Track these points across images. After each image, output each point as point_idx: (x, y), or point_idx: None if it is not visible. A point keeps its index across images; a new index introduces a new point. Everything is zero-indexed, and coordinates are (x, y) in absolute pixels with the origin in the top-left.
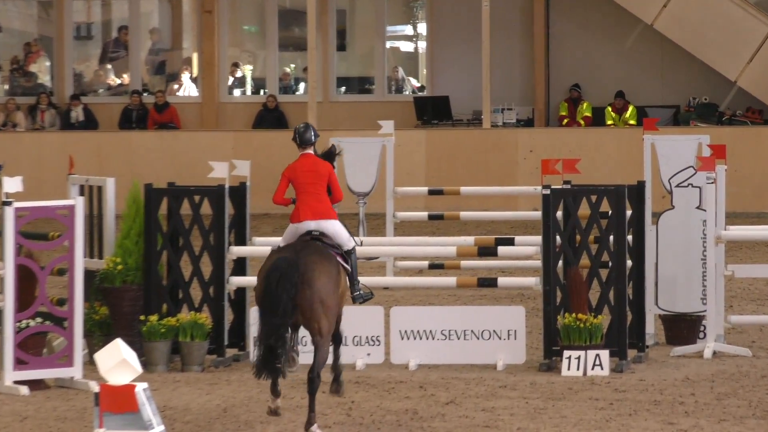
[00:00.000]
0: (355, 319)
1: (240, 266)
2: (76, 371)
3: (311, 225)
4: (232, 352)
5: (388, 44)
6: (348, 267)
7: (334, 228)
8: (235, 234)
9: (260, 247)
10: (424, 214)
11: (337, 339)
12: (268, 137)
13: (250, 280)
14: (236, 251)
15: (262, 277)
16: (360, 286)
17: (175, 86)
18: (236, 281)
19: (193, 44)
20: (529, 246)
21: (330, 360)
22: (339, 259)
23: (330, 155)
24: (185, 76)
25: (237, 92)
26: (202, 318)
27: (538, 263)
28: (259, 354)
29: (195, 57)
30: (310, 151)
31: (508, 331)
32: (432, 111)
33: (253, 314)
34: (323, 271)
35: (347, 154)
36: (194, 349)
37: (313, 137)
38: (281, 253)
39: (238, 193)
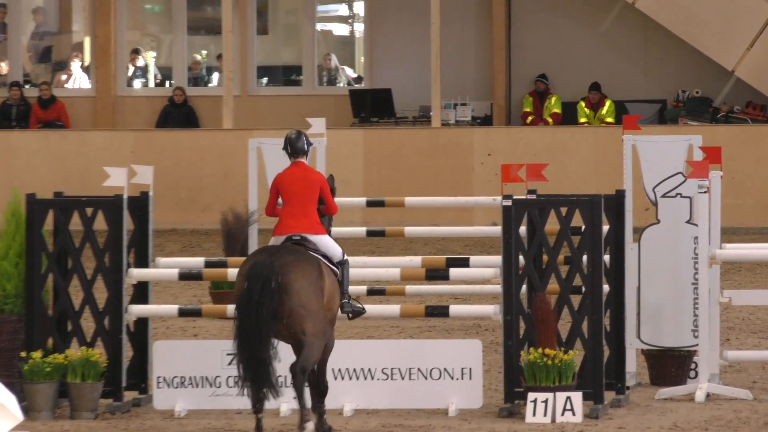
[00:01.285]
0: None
1: (141, 292)
2: None
3: (295, 239)
4: (132, 395)
5: (319, 27)
6: (337, 272)
7: (322, 240)
8: (135, 254)
9: (165, 269)
10: (362, 229)
11: (321, 388)
12: (175, 138)
13: (152, 308)
14: (137, 274)
15: (240, 291)
16: (350, 297)
17: (64, 77)
18: (137, 310)
19: (84, 27)
20: (486, 268)
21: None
22: (324, 260)
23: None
24: (75, 65)
25: (138, 84)
26: (96, 354)
27: (498, 288)
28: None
29: (87, 42)
30: (303, 160)
31: (462, 369)
32: (371, 106)
33: (159, 348)
34: (301, 273)
35: (269, 158)
36: (86, 391)
37: (305, 146)
38: (257, 257)
39: (139, 204)
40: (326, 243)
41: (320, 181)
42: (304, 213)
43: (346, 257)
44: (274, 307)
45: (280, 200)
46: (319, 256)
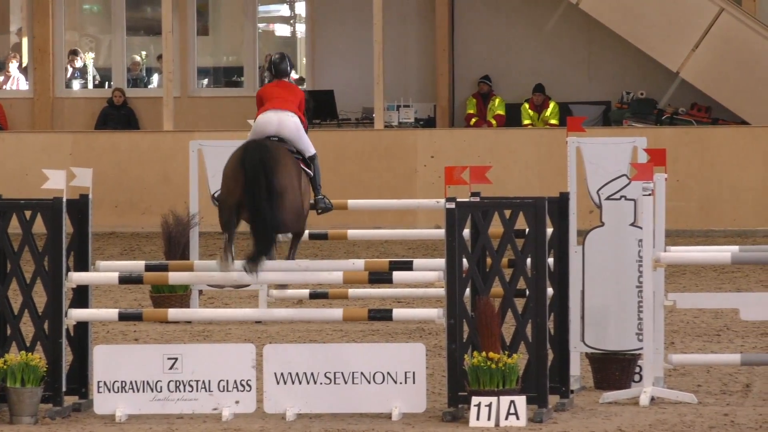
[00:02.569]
0: (221, 360)
1: (81, 296)
2: None
3: (272, 117)
4: (72, 400)
5: (260, 27)
6: (310, 172)
7: (296, 125)
8: (75, 257)
9: (105, 273)
10: (305, 232)
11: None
12: (115, 139)
13: (93, 312)
14: (76, 278)
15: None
16: (323, 195)
17: (1, 78)
18: (77, 314)
19: (22, 27)
20: (430, 271)
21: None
22: (302, 166)
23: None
24: (13, 66)
25: (76, 85)
26: (35, 359)
27: (441, 291)
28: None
29: (25, 43)
30: (285, 80)
31: (406, 373)
32: (313, 108)
33: (100, 352)
34: (285, 163)
35: (210, 160)
36: (25, 396)
37: (288, 68)
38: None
39: (79, 207)
40: (301, 135)
41: (300, 96)
42: (284, 102)
43: (314, 151)
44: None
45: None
46: (297, 162)
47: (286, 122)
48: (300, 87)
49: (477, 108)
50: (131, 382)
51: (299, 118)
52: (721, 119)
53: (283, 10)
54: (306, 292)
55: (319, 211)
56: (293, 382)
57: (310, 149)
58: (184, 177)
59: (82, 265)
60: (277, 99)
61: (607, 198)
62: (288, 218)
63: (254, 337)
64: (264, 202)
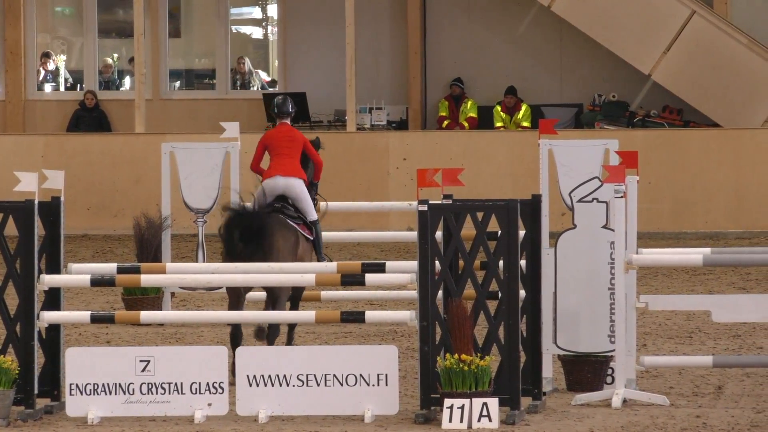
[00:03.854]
0: (194, 363)
1: (53, 299)
2: None
3: (280, 182)
4: (44, 402)
5: (232, 30)
6: (311, 237)
7: (301, 189)
8: (47, 259)
9: (77, 275)
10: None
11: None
12: (87, 142)
13: (65, 315)
14: (48, 280)
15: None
16: (324, 255)
17: None
18: (49, 317)
19: None
20: (402, 273)
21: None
22: (299, 228)
23: (315, 144)
24: None
25: (48, 88)
26: (7, 362)
27: (414, 294)
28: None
29: None
30: (287, 121)
31: (378, 375)
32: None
33: (72, 355)
34: (280, 230)
35: (182, 163)
36: None
37: (290, 108)
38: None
39: (51, 209)
40: (305, 200)
41: (303, 140)
42: (291, 161)
43: (317, 217)
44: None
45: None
46: (298, 226)
47: (292, 187)
48: (267, 90)
49: (449, 110)
50: (103, 385)
51: (303, 180)
52: (693, 122)
53: (255, 12)
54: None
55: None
56: (265, 385)
57: (312, 214)
58: (156, 179)
59: (54, 268)
60: (284, 156)
61: (579, 200)
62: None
63: (227, 340)
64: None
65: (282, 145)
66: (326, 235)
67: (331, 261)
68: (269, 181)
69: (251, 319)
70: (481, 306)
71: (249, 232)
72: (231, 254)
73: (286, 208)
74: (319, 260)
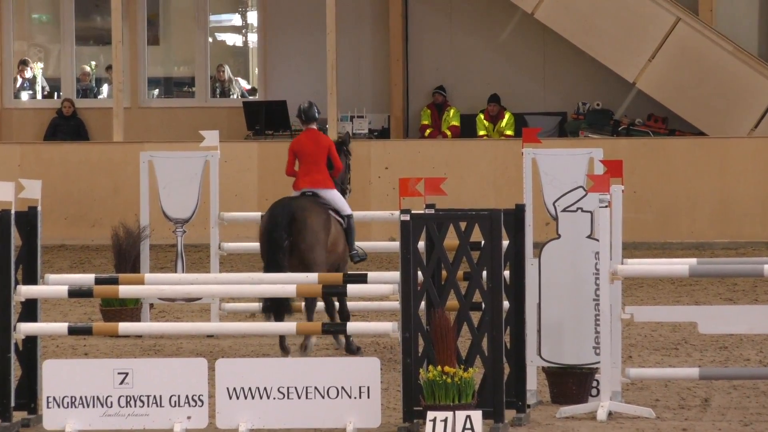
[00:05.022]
0: (173, 375)
1: (30, 310)
2: None
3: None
4: (21, 415)
5: (212, 37)
6: (342, 223)
7: (332, 195)
8: (23, 270)
9: (55, 286)
10: (257, 245)
11: (344, 315)
12: (64, 151)
13: (42, 326)
14: (25, 291)
15: (264, 228)
16: (357, 248)
17: None
18: (25, 328)
19: None
20: (384, 284)
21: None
22: (332, 213)
23: (344, 143)
24: None
25: (25, 96)
26: None
27: (396, 305)
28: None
29: None
30: (314, 126)
31: (360, 387)
32: (266, 119)
33: (49, 367)
34: (315, 213)
35: (161, 172)
36: None
37: (316, 114)
38: (275, 206)
39: (27, 219)
40: (335, 198)
41: (329, 144)
42: (318, 171)
43: (351, 212)
44: (293, 239)
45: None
46: (330, 213)
47: (321, 193)
48: (248, 97)
49: (432, 119)
50: (81, 398)
51: (334, 187)
52: (678, 130)
53: (235, 19)
54: (259, 305)
55: (355, 261)
56: (246, 397)
57: (346, 209)
58: (135, 189)
59: (31, 279)
60: (311, 164)
61: (564, 210)
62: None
63: (206, 352)
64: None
65: (308, 152)
66: None
67: (365, 254)
68: (297, 193)
69: (232, 330)
70: (465, 317)
71: (285, 221)
72: (273, 250)
73: (318, 197)
74: (350, 251)
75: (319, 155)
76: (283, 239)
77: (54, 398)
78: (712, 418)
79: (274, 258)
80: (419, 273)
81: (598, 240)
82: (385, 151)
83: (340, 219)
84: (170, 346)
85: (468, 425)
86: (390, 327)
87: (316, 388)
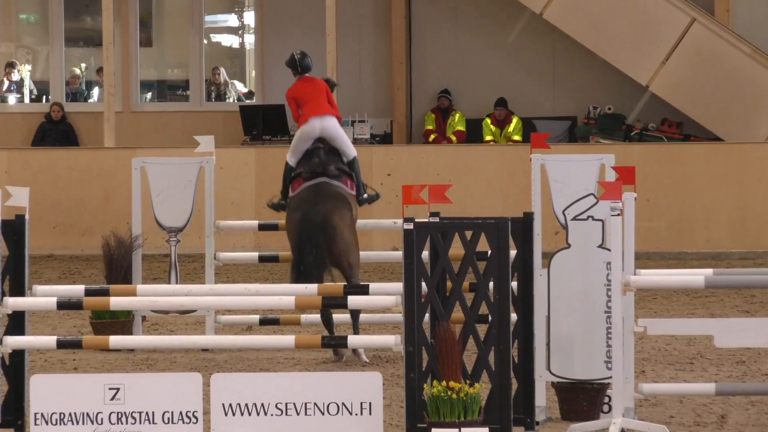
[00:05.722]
0: (166, 390)
1: (17, 322)
2: None
3: (316, 125)
4: None
5: (207, 39)
6: (354, 181)
7: (336, 127)
8: (10, 281)
9: (43, 298)
10: (254, 254)
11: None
12: (53, 157)
13: (29, 340)
14: (12, 303)
15: (295, 237)
16: (366, 189)
17: None
18: (12, 342)
19: None
20: (387, 295)
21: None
22: (347, 187)
23: (330, 84)
24: None
25: (12, 99)
26: None
27: (399, 317)
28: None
29: None
30: (307, 75)
31: (361, 403)
32: (263, 124)
33: (37, 382)
34: (342, 217)
35: (154, 179)
36: None
37: (311, 63)
38: (300, 209)
39: (14, 228)
40: (342, 137)
41: (325, 86)
42: (321, 104)
43: (355, 153)
44: (326, 247)
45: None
46: (346, 195)
47: (328, 128)
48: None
49: (436, 123)
50: (70, 414)
51: (336, 117)
52: (694, 135)
53: (232, 20)
54: (256, 317)
55: (367, 203)
56: (242, 414)
57: (351, 152)
58: (127, 196)
59: (18, 290)
60: (313, 102)
61: (574, 218)
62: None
63: (201, 366)
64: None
65: (308, 94)
66: None
67: (376, 194)
68: (305, 126)
69: (228, 344)
70: (471, 330)
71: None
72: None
73: (327, 169)
74: (360, 198)
75: (319, 95)
76: (317, 246)
77: (42, 415)
78: None
79: (307, 259)
80: (423, 284)
81: (609, 250)
82: (388, 157)
83: (351, 190)
84: (163, 361)
85: None
86: (393, 340)
87: (315, 404)
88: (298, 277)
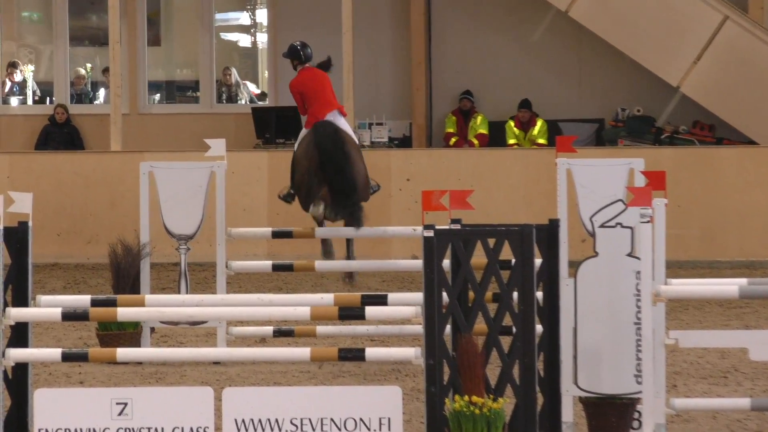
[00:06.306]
0: (176, 405)
1: (20, 334)
2: None
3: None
4: None
5: (219, 37)
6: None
7: (346, 126)
8: (13, 291)
9: (47, 308)
10: (268, 263)
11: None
12: (57, 161)
13: (33, 352)
14: (15, 314)
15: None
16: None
17: None
18: (15, 354)
19: None
20: (406, 306)
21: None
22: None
23: (326, 65)
24: None
25: (15, 101)
26: None
27: (419, 329)
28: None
29: None
30: (308, 65)
31: (380, 419)
32: (276, 126)
33: (41, 396)
34: (353, 146)
35: (162, 184)
36: None
37: (311, 54)
38: (316, 132)
39: (18, 236)
40: (348, 131)
41: (326, 77)
42: (329, 102)
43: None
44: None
45: None
46: (355, 140)
47: (338, 119)
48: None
49: (457, 126)
50: (76, 430)
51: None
52: (726, 138)
53: (243, 18)
54: (270, 329)
55: (371, 191)
56: (256, 429)
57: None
58: (134, 202)
59: (22, 300)
60: (320, 101)
61: (601, 225)
62: (360, 183)
63: (212, 380)
64: (344, 164)
65: (314, 88)
66: (323, 264)
67: (377, 185)
68: (319, 124)
69: (240, 356)
70: (494, 342)
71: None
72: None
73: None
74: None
75: (323, 88)
76: (331, 159)
77: (46, 430)
78: None
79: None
80: (444, 294)
81: (639, 258)
82: (407, 161)
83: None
84: (173, 374)
85: None
86: (413, 353)
87: (332, 419)
88: (309, 192)
